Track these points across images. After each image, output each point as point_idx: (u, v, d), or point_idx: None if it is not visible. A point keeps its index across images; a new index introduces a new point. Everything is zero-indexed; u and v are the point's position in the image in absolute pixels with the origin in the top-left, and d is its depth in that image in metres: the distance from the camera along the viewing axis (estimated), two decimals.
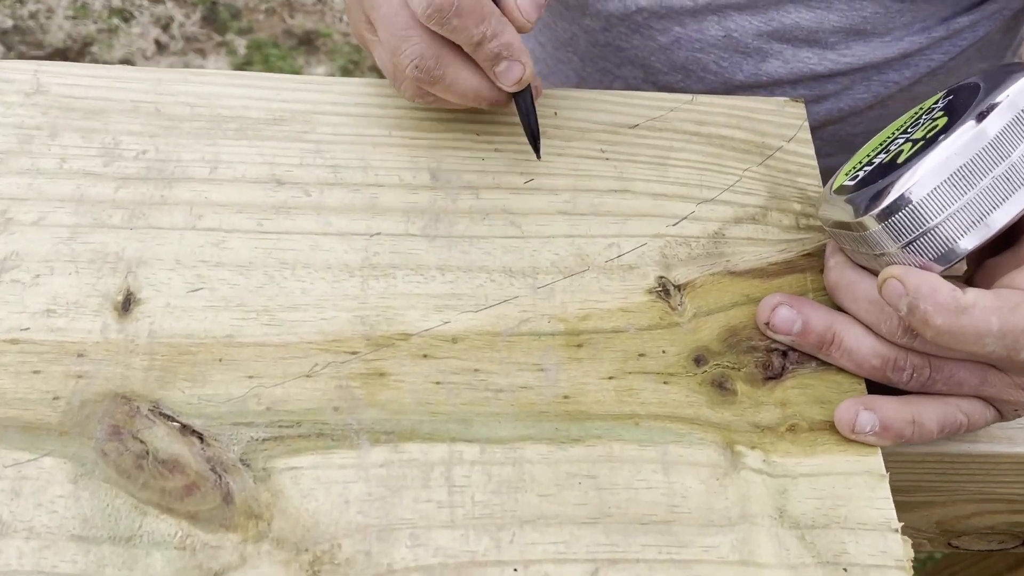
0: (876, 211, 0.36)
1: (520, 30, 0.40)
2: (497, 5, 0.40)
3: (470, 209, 0.44)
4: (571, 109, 0.48)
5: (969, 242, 0.36)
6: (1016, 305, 0.35)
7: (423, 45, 0.40)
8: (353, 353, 0.40)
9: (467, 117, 0.47)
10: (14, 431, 0.36)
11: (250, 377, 0.39)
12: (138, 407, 0.38)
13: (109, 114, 0.45)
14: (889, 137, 0.41)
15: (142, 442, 0.37)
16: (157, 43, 1.94)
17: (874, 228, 0.36)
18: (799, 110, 0.49)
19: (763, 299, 0.41)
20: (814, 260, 0.44)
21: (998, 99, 0.35)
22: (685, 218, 0.45)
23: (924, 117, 0.39)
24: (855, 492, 0.38)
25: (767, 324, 0.41)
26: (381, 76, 0.47)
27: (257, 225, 0.43)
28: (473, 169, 0.46)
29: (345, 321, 0.41)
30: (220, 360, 0.39)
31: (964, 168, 0.35)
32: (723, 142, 0.48)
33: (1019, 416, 0.40)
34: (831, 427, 0.39)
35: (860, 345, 0.39)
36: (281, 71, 1.89)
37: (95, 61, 1.86)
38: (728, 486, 0.38)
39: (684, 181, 0.46)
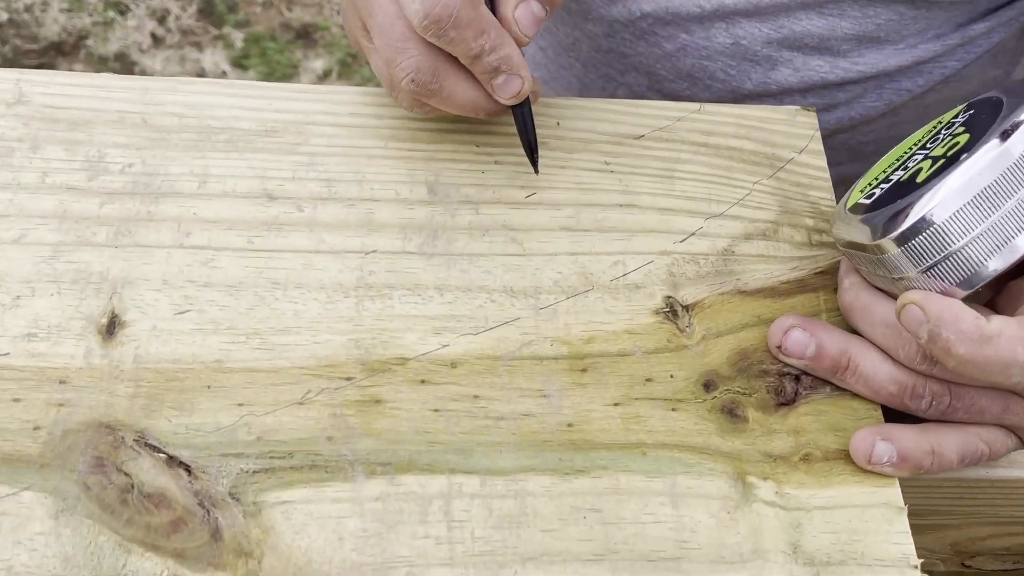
0: (895, 234, 0.34)
1: (518, 45, 0.39)
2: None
3: (469, 225, 0.43)
4: (574, 119, 0.46)
5: (994, 266, 0.34)
6: None
7: (419, 58, 0.38)
8: (348, 379, 0.38)
9: (466, 128, 0.45)
10: None
11: (240, 405, 0.37)
12: (123, 437, 0.36)
13: (94, 125, 0.44)
14: (906, 152, 0.39)
15: (127, 475, 0.35)
16: (153, 36, 1.92)
17: (893, 252, 0.35)
18: (811, 120, 0.47)
19: (775, 321, 0.40)
20: (827, 279, 0.43)
21: (1023, 117, 0.34)
22: (693, 234, 0.43)
23: (943, 132, 0.38)
24: (872, 526, 0.36)
25: (779, 347, 0.39)
26: (377, 80, 0.45)
27: (248, 243, 0.41)
28: (472, 182, 0.44)
29: (339, 345, 0.39)
30: (208, 387, 0.37)
31: (988, 189, 0.33)
32: (732, 153, 0.46)
33: None
34: (846, 456, 0.38)
35: (876, 371, 0.38)
36: (279, 64, 1.88)
37: (90, 55, 1.85)
38: (739, 520, 0.36)
39: (692, 195, 0.45)
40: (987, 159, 0.33)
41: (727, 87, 0.55)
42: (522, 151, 0.44)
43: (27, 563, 0.33)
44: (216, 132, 0.44)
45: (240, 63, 1.90)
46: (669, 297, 0.41)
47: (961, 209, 0.33)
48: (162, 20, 1.93)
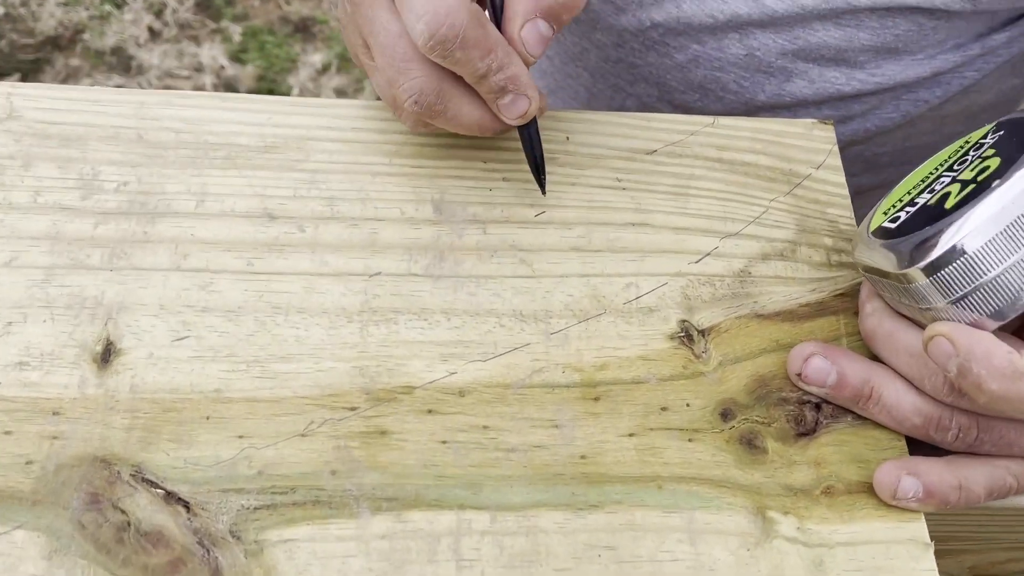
0: (923, 263, 0.33)
1: (524, 64, 0.37)
2: None
3: (477, 245, 0.41)
4: (584, 133, 0.45)
5: None
6: None
7: (423, 79, 0.36)
8: (352, 409, 0.37)
9: (472, 143, 0.44)
10: None
11: (240, 437, 0.36)
12: (119, 472, 0.35)
13: (87, 141, 0.42)
14: (932, 174, 0.37)
15: (123, 512, 0.34)
16: (150, 30, 1.90)
17: (921, 282, 0.33)
18: (828, 133, 0.46)
19: (794, 348, 0.38)
20: (847, 301, 0.41)
21: None
22: (708, 254, 0.42)
23: (972, 154, 0.36)
24: (897, 563, 0.35)
25: (799, 375, 0.38)
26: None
27: (247, 265, 0.40)
28: (479, 201, 0.42)
29: (343, 372, 0.37)
30: (208, 418, 0.36)
31: (1022, 218, 0.32)
32: (747, 169, 0.45)
33: None
34: (869, 489, 0.36)
35: (900, 402, 0.36)
36: (277, 58, 1.86)
37: (87, 49, 1.83)
38: (760, 558, 0.35)
39: (707, 213, 0.43)
40: (1021, 186, 0.32)
41: (740, 99, 0.54)
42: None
43: None
44: (214, 148, 0.42)
45: (238, 57, 1.88)
46: (684, 321, 0.40)
47: (993, 238, 0.32)
48: (159, 14, 1.91)
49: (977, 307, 0.33)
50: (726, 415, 0.38)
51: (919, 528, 0.36)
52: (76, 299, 0.38)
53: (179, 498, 0.34)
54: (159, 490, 0.34)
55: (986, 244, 0.32)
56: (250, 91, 1.78)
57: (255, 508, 0.34)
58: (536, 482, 0.36)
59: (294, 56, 1.88)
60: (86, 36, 1.85)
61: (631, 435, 0.37)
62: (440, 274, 0.40)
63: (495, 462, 0.36)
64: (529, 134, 0.40)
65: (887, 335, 0.37)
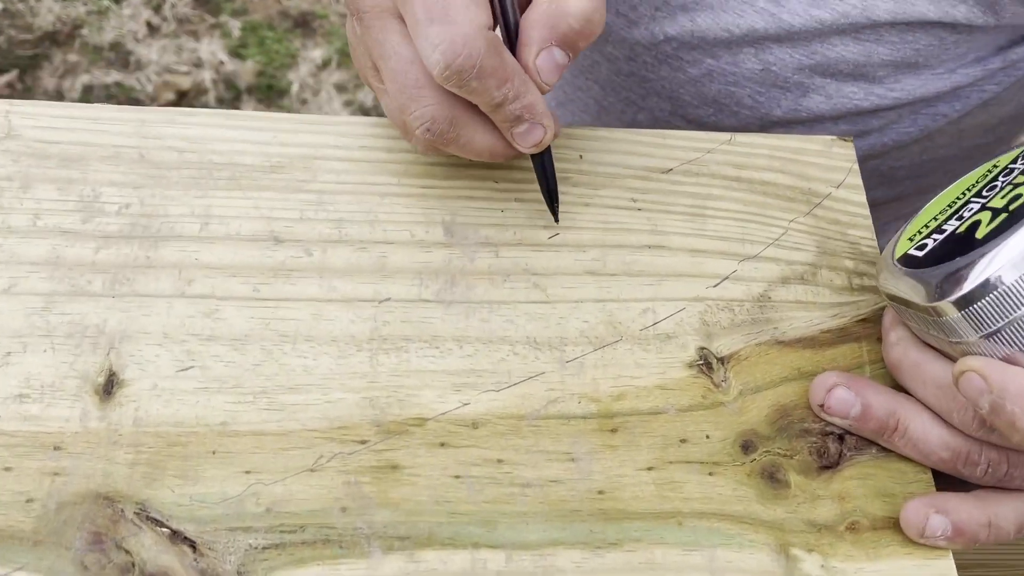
0: (954, 297, 0.32)
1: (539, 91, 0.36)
2: None
3: (489, 269, 0.40)
4: (598, 151, 0.44)
5: None
6: None
7: (435, 107, 0.35)
8: (362, 442, 0.36)
9: (483, 163, 0.43)
10: None
11: (247, 472, 0.35)
12: (122, 510, 0.34)
13: (88, 161, 0.41)
14: (959, 199, 0.36)
15: (127, 552, 0.33)
16: (149, 25, 1.88)
17: (952, 316, 0.32)
18: (848, 151, 0.45)
19: (817, 378, 0.37)
20: (870, 327, 0.40)
21: None
22: (727, 278, 0.41)
23: (1001, 179, 0.35)
24: None
25: (821, 406, 0.37)
26: None
27: (253, 291, 0.38)
28: (491, 222, 0.41)
29: (353, 404, 0.36)
30: (214, 452, 0.35)
31: None
32: (766, 188, 0.43)
33: None
34: (895, 525, 0.35)
35: (927, 435, 0.35)
36: (277, 54, 1.84)
37: (85, 44, 1.82)
38: None
39: (725, 235, 0.42)
40: None
41: (755, 114, 0.52)
42: None
43: None
44: (218, 168, 0.41)
45: (238, 52, 1.86)
46: (703, 348, 0.39)
47: None
48: (158, 8, 1.89)
49: (1011, 342, 0.32)
50: (747, 447, 0.37)
51: (947, 566, 0.35)
52: (77, 328, 0.37)
53: (185, 537, 0.33)
54: (164, 529, 0.33)
55: (1022, 277, 0.31)
56: (250, 87, 1.77)
57: (263, 547, 0.33)
58: (553, 519, 0.35)
59: (294, 51, 1.87)
60: (84, 31, 1.84)
61: (650, 468, 0.36)
62: (452, 299, 0.39)
63: (510, 498, 0.35)
64: (543, 161, 0.39)
65: (913, 366, 0.36)
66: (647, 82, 0.53)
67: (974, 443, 0.35)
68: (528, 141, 0.37)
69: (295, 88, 1.81)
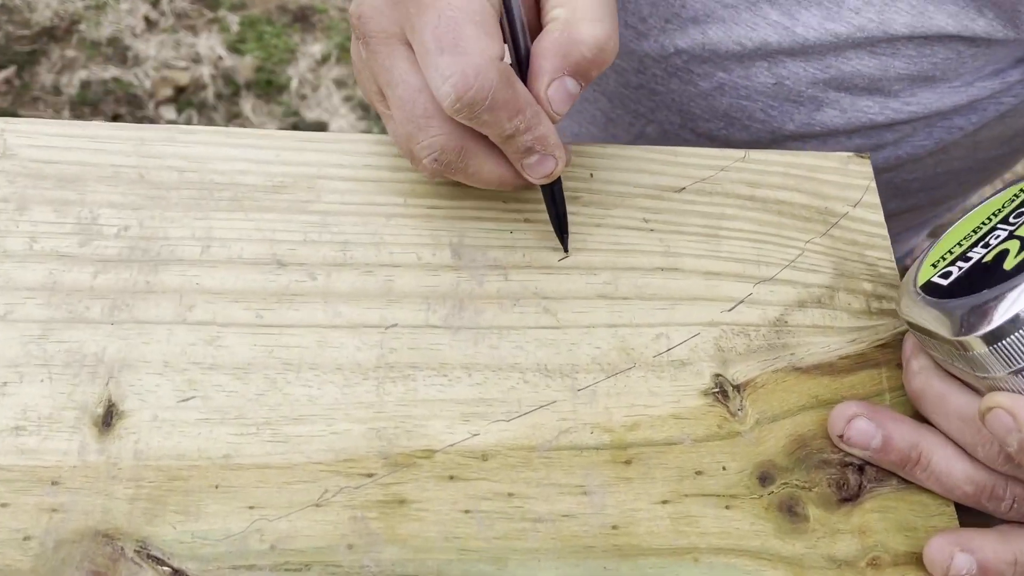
0: (983, 331, 0.31)
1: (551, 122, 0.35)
2: None
3: (498, 293, 0.39)
4: (608, 169, 0.43)
5: None
6: None
7: (443, 137, 0.34)
8: (369, 475, 0.35)
9: None
10: None
11: (251, 508, 0.34)
12: (122, 548, 0.33)
13: (86, 182, 0.40)
14: (985, 224, 0.35)
15: None
16: (147, 20, 1.87)
17: (980, 351, 0.31)
18: (865, 168, 0.44)
19: (836, 407, 0.36)
20: (890, 352, 0.39)
21: None
22: (742, 301, 0.40)
23: None
24: None
25: (841, 437, 0.36)
26: None
27: (256, 317, 0.37)
28: (500, 244, 0.40)
29: (359, 435, 0.35)
30: (216, 486, 0.34)
31: None
32: (781, 208, 0.42)
33: None
34: (917, 560, 0.34)
35: (951, 469, 0.34)
36: (276, 49, 1.83)
37: (83, 40, 1.80)
38: None
39: (739, 256, 0.41)
40: None
41: (767, 128, 0.51)
42: None
43: None
44: (219, 188, 0.40)
45: (236, 47, 1.85)
46: (718, 375, 0.38)
47: None
48: (155, 3, 1.88)
49: None
50: (764, 479, 0.36)
51: None
52: (75, 356, 0.36)
53: None
54: (166, 567, 0.32)
55: None
56: (248, 82, 1.75)
57: None
58: (565, 555, 0.34)
59: (293, 46, 1.85)
60: (82, 27, 1.82)
61: (665, 502, 0.35)
62: (460, 325, 0.38)
63: (521, 533, 0.34)
64: (552, 192, 0.38)
65: (937, 397, 0.34)
66: (656, 95, 0.52)
67: (999, 477, 0.34)
68: (539, 173, 0.36)
69: (294, 84, 1.79)
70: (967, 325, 0.31)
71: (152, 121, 1.68)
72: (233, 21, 1.87)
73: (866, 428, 0.35)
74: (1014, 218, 0.34)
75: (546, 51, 0.33)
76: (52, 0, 1.84)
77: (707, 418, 0.37)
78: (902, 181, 0.55)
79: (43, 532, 0.33)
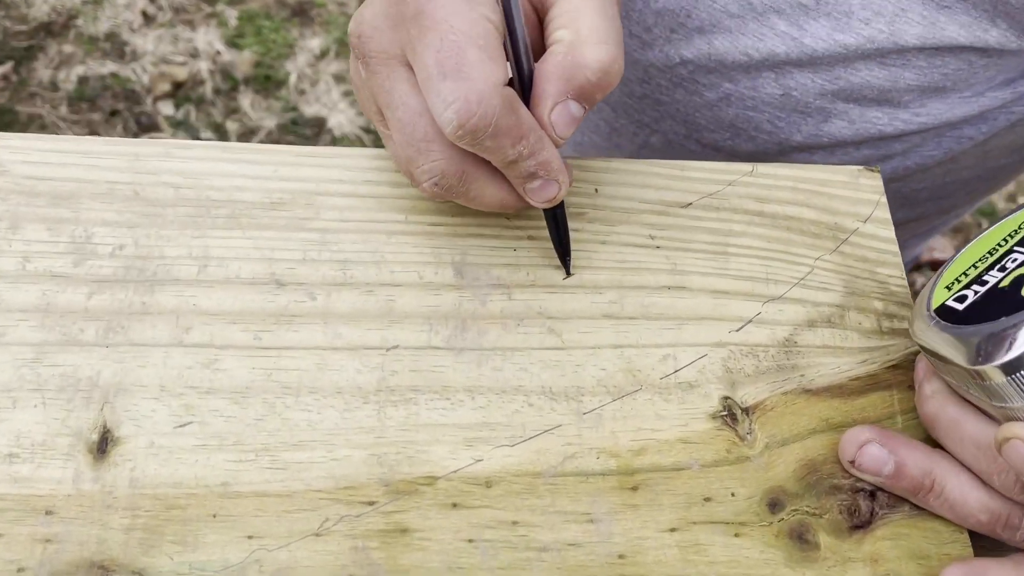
0: (1000, 361, 0.30)
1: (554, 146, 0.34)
2: None
3: (501, 313, 0.38)
4: (613, 184, 0.42)
5: None
6: None
7: (444, 162, 0.33)
8: (370, 504, 0.34)
9: None
10: None
11: (250, 537, 0.33)
12: None
13: (80, 199, 0.39)
14: (1000, 246, 0.34)
15: None
16: (144, 15, 1.86)
17: (998, 380, 0.30)
18: (875, 182, 0.43)
19: (847, 432, 0.35)
20: (901, 373, 0.38)
21: None
22: (750, 321, 0.39)
23: None
24: None
25: (852, 463, 0.35)
26: None
27: (254, 339, 0.37)
28: (503, 262, 0.39)
29: (360, 461, 0.35)
30: (214, 515, 0.33)
31: None
32: (790, 223, 0.42)
33: None
34: None
35: (965, 497, 0.33)
36: (274, 43, 1.82)
37: (80, 35, 1.79)
38: None
39: (748, 274, 0.40)
40: None
41: (773, 139, 0.50)
42: None
43: None
44: (217, 205, 0.39)
45: (234, 42, 1.84)
46: (727, 398, 0.37)
47: None
48: None
49: None
50: (774, 506, 0.35)
51: None
52: (69, 380, 0.35)
53: None
54: None
55: None
56: (247, 77, 1.74)
57: None
58: None
59: (291, 41, 1.84)
60: (79, 22, 1.81)
61: (673, 530, 0.34)
62: (462, 346, 0.37)
63: (526, 563, 0.33)
64: (555, 215, 0.37)
65: (951, 423, 0.34)
66: (661, 105, 0.51)
67: (1015, 506, 0.33)
68: (541, 197, 0.35)
69: (293, 78, 1.78)
70: (984, 354, 0.30)
71: (150, 116, 1.67)
72: (231, 16, 1.86)
73: (878, 454, 0.34)
74: None
75: (550, 74, 0.32)
76: None
77: (715, 442, 0.36)
78: (910, 191, 0.54)
79: (37, 564, 0.32)
